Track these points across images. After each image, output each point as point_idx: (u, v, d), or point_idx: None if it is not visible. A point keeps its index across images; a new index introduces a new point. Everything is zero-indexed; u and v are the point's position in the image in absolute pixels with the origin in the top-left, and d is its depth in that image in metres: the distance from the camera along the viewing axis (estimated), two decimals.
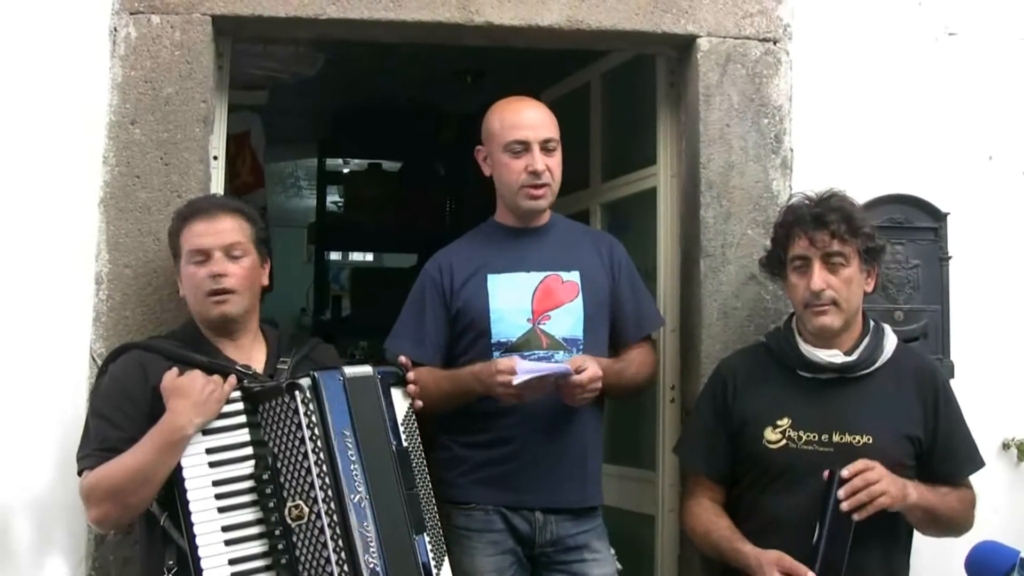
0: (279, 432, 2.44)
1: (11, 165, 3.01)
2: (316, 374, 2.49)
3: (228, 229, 2.63)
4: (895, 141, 3.34)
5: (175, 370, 2.47)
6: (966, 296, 3.31)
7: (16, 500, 2.93)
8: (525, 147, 2.92)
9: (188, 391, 2.41)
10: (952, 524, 2.76)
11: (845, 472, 2.54)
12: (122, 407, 2.49)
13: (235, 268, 2.61)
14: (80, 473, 2.50)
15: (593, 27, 3.23)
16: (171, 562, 2.41)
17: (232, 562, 2.36)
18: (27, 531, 2.94)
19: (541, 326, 2.91)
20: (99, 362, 2.89)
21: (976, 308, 3.32)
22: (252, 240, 2.68)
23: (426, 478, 2.62)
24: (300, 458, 2.41)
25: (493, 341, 2.90)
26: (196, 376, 2.45)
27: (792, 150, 3.29)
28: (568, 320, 2.93)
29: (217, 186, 3.19)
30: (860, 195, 2.98)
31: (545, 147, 2.92)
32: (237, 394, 2.48)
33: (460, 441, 2.92)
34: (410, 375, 2.68)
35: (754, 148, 3.27)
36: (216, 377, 2.47)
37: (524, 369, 2.70)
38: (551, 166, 2.93)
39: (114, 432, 2.46)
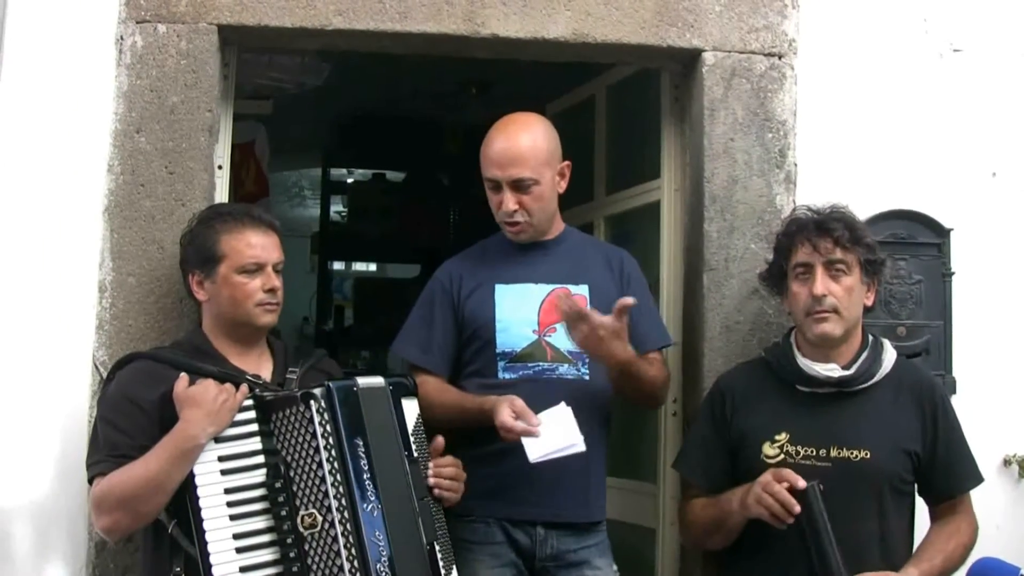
0: (292, 441, 2.44)
1: (16, 172, 3.02)
2: (331, 384, 2.50)
3: (277, 245, 2.72)
4: (899, 156, 3.34)
5: (186, 379, 2.47)
6: (969, 312, 3.31)
7: (17, 506, 2.93)
8: (496, 185, 2.90)
9: (201, 400, 2.42)
10: (961, 564, 2.76)
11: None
12: (131, 414, 2.49)
13: (280, 283, 2.70)
14: (91, 480, 2.49)
15: (599, 40, 3.24)
16: (178, 569, 2.41)
17: (243, 570, 2.37)
18: (28, 538, 2.94)
19: (547, 338, 2.90)
20: (102, 370, 2.90)
21: (979, 324, 3.32)
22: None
23: (434, 488, 2.64)
24: (314, 467, 2.42)
25: (497, 351, 2.90)
26: (209, 385, 2.46)
27: (796, 165, 3.29)
28: None
29: (222, 195, 3.20)
30: (863, 210, 2.99)
31: (517, 186, 2.88)
32: (249, 402, 2.50)
33: (463, 452, 2.91)
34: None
35: (758, 162, 3.27)
36: (228, 386, 2.48)
37: (540, 453, 2.68)
38: (525, 203, 2.89)
39: (124, 439, 2.46)
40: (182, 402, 2.42)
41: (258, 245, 2.66)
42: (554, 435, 2.70)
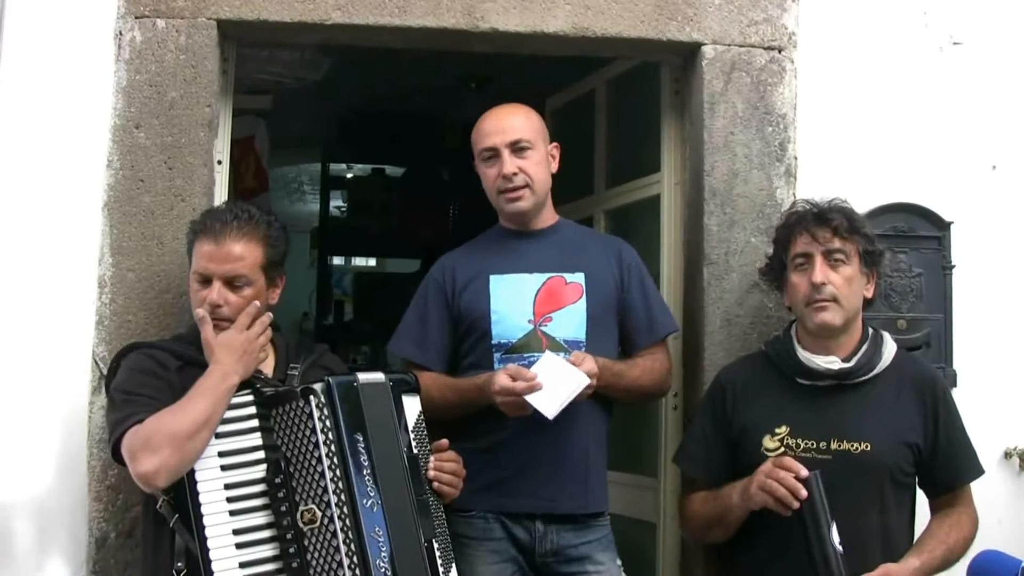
0: (292, 436, 2.44)
1: (15, 168, 3.01)
2: (330, 379, 2.49)
3: (235, 258, 2.55)
4: (899, 150, 3.34)
5: (211, 328, 2.51)
6: (969, 305, 3.31)
7: (18, 503, 2.93)
8: (494, 153, 2.93)
9: (233, 345, 2.48)
10: (962, 556, 2.75)
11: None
12: (148, 383, 2.49)
13: (233, 298, 2.56)
14: (121, 435, 2.38)
15: (598, 34, 3.23)
16: (180, 564, 2.40)
17: (243, 565, 2.36)
18: (28, 534, 2.93)
19: (543, 328, 2.90)
20: (102, 366, 2.90)
21: (979, 317, 3.32)
22: (261, 267, 2.61)
23: (433, 481, 2.63)
24: (313, 462, 2.41)
25: (493, 342, 2.90)
26: (234, 333, 2.50)
27: (796, 158, 3.29)
28: (571, 322, 2.91)
29: (221, 190, 3.20)
30: (864, 203, 2.99)
31: (515, 148, 2.92)
32: (249, 398, 2.49)
33: (461, 447, 2.91)
34: None
35: (758, 156, 3.27)
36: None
37: (554, 406, 2.69)
38: (524, 167, 2.92)
39: (150, 401, 2.43)
40: (213, 347, 2.47)
41: (207, 256, 2.56)
42: (557, 383, 2.72)
